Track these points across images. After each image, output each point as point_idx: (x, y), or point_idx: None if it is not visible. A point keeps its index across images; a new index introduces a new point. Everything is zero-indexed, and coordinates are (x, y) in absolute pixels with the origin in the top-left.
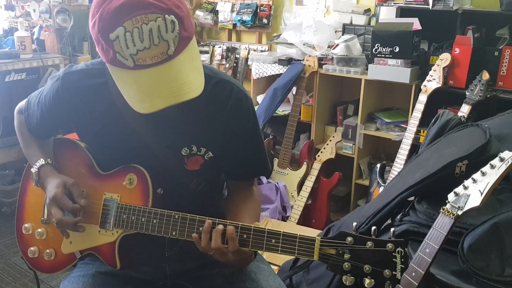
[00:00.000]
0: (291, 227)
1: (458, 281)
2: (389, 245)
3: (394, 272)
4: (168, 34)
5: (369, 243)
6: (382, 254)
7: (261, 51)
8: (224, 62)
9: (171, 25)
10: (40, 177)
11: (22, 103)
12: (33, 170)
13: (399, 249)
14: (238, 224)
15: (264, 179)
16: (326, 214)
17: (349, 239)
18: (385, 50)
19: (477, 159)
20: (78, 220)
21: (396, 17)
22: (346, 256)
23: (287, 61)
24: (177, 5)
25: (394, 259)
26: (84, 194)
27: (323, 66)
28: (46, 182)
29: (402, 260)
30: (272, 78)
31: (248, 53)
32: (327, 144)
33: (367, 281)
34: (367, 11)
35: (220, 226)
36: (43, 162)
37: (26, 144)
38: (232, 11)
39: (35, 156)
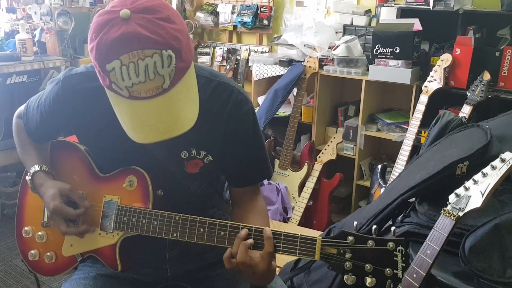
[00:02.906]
0: (292, 229)
1: (459, 282)
2: (390, 244)
3: (395, 271)
4: (164, 69)
5: (370, 242)
6: (383, 253)
7: (262, 52)
8: (225, 63)
9: (168, 60)
10: (35, 184)
11: (21, 108)
12: (27, 178)
13: (400, 247)
14: (239, 224)
15: (265, 180)
16: (327, 215)
17: (350, 238)
18: (386, 51)
19: (478, 160)
20: (83, 229)
21: (396, 17)
22: (348, 255)
23: (288, 62)
24: (175, 37)
25: (395, 258)
26: (83, 196)
27: (324, 67)
28: (41, 191)
29: (403, 258)
30: (273, 79)
31: (249, 55)
32: (328, 145)
33: (368, 280)
34: (367, 12)
35: (250, 240)
36: (37, 169)
37: (23, 150)
38: (232, 12)
39: (30, 163)
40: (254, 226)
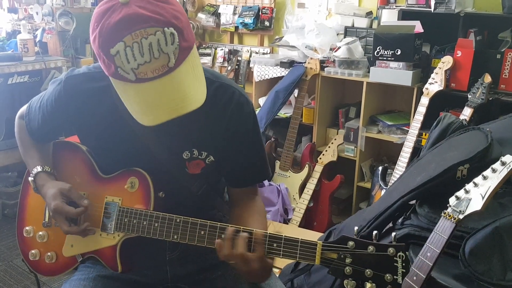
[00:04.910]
0: (293, 230)
1: (459, 285)
2: (391, 250)
3: (395, 277)
4: (168, 47)
5: (371, 248)
6: (383, 258)
7: (263, 53)
8: (226, 64)
9: (171, 37)
10: (37, 185)
11: (23, 108)
12: (30, 179)
13: (401, 253)
14: (240, 227)
15: (265, 181)
16: (328, 217)
17: (351, 243)
18: (387, 52)
19: (479, 163)
20: (85, 227)
21: (398, 19)
22: (348, 260)
23: (289, 63)
24: (176, 17)
25: (395, 264)
26: (84, 195)
27: (325, 69)
28: (43, 192)
29: (403, 264)
30: (274, 80)
31: (250, 56)
32: (329, 147)
33: (368, 285)
34: (369, 13)
35: (245, 234)
36: (39, 170)
37: (25, 150)
38: (234, 13)
39: (33, 163)
40: (247, 228)
